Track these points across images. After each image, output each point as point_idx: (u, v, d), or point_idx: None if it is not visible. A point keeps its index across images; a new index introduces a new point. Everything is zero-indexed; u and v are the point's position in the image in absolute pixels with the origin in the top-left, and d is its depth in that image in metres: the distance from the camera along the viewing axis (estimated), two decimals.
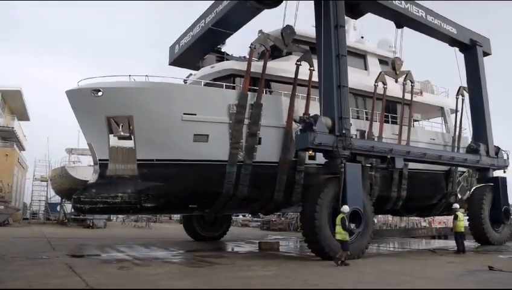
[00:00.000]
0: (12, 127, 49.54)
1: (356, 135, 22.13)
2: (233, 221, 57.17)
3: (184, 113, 18.57)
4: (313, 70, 20.27)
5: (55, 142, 56.46)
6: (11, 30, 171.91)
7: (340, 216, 16.11)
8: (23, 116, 55.10)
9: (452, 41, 26.72)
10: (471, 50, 27.10)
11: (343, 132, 18.31)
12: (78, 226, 41.96)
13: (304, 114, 19.61)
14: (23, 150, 58.02)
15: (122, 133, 18.45)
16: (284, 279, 12.83)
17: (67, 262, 15.16)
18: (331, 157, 18.26)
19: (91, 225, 41.19)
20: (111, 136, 18.63)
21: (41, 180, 51.09)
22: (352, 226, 17.19)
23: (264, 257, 18.93)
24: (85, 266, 14.26)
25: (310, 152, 18.48)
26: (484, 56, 27.71)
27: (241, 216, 56.29)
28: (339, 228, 15.84)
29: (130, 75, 18.54)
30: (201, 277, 13.10)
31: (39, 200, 51.43)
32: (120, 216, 55.65)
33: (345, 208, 16.51)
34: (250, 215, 50.74)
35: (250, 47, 19.88)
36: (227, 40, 24.43)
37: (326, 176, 18.49)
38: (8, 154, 46.45)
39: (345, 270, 14.41)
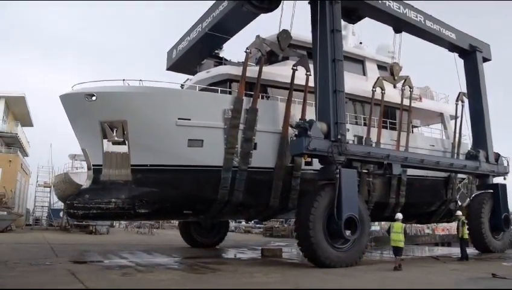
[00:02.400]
0: (16, 133, 49.84)
1: (354, 141, 21.94)
2: (236, 227, 57.43)
3: (178, 118, 18.46)
4: (310, 75, 20.10)
5: (59, 148, 56.89)
6: (15, 36, 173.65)
7: (400, 224, 16.98)
8: (26, 122, 55.40)
9: (451, 47, 26.50)
10: (471, 55, 26.85)
11: (339, 137, 18.02)
12: (81, 232, 41.93)
13: (300, 119, 19.44)
14: (27, 156, 58.32)
15: (116, 138, 18.39)
16: (287, 286, 12.79)
17: (70, 268, 15.13)
18: (327, 163, 18.04)
19: (94, 231, 41.12)
20: (105, 141, 18.58)
21: (44, 186, 51.31)
22: (348, 233, 16.93)
23: (267, 263, 18.77)
24: (88, 273, 14.22)
25: (305, 157, 18.31)
26: (484, 62, 27.46)
27: (243, 223, 56.15)
28: (400, 236, 16.71)
29: (124, 80, 18.49)
30: (204, 283, 13.11)
31: (42, 206, 51.60)
32: (123, 222, 55.67)
33: (400, 216, 17.51)
34: (252, 221, 50.56)
35: (245, 51, 19.78)
36: (227, 46, 24.35)
37: (322, 182, 18.26)
38: (11, 160, 46.64)
39: (348, 278, 14.46)
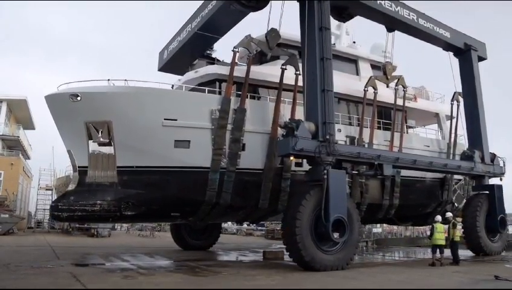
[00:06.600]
0: (18, 136, 49.90)
1: (346, 141, 21.61)
2: (237, 230, 57.16)
3: (164, 119, 18.24)
4: (299, 74, 19.82)
5: (60, 151, 56.49)
6: (17, 38, 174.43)
7: (442, 225, 19.53)
8: (28, 125, 55.42)
9: (446, 46, 26.06)
10: (466, 54, 26.34)
11: (327, 137, 17.62)
12: (83, 235, 41.80)
13: (289, 119, 19.12)
14: (28, 158, 58.25)
15: (101, 139, 18.21)
16: (289, 287, 12.90)
17: (72, 271, 15.15)
18: (315, 163, 17.68)
19: (95, 233, 40.98)
20: (90, 142, 18.36)
21: (46, 189, 51.24)
22: (336, 235, 16.55)
23: (269, 266, 18.65)
24: (89, 275, 14.28)
25: (292, 158, 18.00)
26: (480, 61, 27.02)
27: (245, 225, 55.85)
28: (442, 235, 19.37)
29: (109, 80, 18.34)
30: (206, 285, 13.05)
31: (44, 209, 51.44)
32: (124, 225, 55.59)
33: (439, 218, 20.01)
34: (254, 224, 50.29)
35: (232, 51, 19.56)
36: (221, 46, 24.13)
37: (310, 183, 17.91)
38: (13, 163, 46.58)
39: (350, 280, 14.45)
